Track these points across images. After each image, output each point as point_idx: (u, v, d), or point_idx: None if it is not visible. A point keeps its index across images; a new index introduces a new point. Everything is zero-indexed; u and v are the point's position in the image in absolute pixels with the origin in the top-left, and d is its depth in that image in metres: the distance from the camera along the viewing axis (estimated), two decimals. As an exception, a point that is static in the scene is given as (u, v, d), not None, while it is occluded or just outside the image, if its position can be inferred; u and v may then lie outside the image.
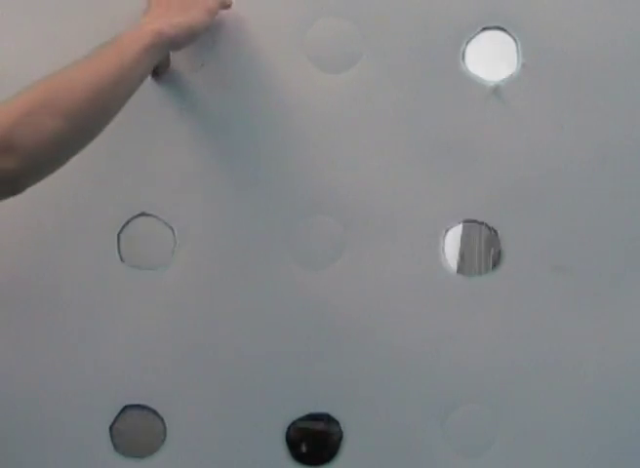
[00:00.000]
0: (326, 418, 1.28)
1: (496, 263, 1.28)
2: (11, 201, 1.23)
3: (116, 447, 1.28)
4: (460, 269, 1.29)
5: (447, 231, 1.27)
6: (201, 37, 1.19)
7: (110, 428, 1.27)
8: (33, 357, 1.27)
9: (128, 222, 1.26)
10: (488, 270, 1.29)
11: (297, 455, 1.29)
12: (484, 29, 1.25)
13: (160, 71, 1.23)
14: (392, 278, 1.27)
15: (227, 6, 1.23)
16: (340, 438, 1.28)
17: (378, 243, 1.27)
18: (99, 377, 1.27)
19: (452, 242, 1.29)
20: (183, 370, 1.28)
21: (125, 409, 1.27)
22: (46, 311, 1.26)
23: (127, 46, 1.09)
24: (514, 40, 1.26)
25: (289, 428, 1.28)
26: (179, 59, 1.25)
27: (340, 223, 1.27)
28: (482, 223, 1.28)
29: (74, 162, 1.25)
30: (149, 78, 1.24)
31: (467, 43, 1.26)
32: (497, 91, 1.26)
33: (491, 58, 1.27)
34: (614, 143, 1.27)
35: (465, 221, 1.27)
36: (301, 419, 1.28)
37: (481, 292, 1.28)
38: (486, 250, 1.30)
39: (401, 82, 1.26)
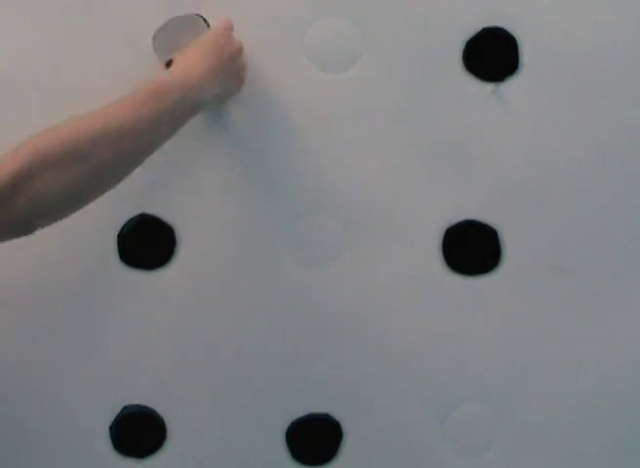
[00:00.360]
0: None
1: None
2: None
3: (116, 447, 1.28)
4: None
5: (447, 231, 1.27)
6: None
7: (110, 428, 1.27)
8: (33, 357, 1.27)
9: (128, 222, 1.26)
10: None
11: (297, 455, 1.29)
12: (484, 29, 1.25)
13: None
14: (392, 278, 1.27)
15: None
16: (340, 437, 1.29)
17: (378, 243, 1.27)
18: (99, 377, 1.27)
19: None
20: (183, 370, 1.28)
21: (125, 409, 1.27)
22: (46, 311, 1.26)
23: (168, 101, 1.07)
24: (514, 40, 1.26)
25: (289, 428, 1.28)
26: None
27: (340, 223, 1.27)
28: (482, 223, 1.28)
29: (74, 162, 1.26)
30: (149, 77, 1.24)
31: (467, 43, 1.26)
32: (497, 91, 1.26)
33: (491, 59, 1.27)
34: (614, 143, 1.27)
35: (465, 221, 1.27)
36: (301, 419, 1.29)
37: (481, 293, 1.28)
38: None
39: (401, 82, 1.26)
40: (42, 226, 1.02)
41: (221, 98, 1.22)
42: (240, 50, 1.21)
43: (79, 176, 0.99)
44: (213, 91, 1.15)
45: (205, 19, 1.23)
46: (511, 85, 1.26)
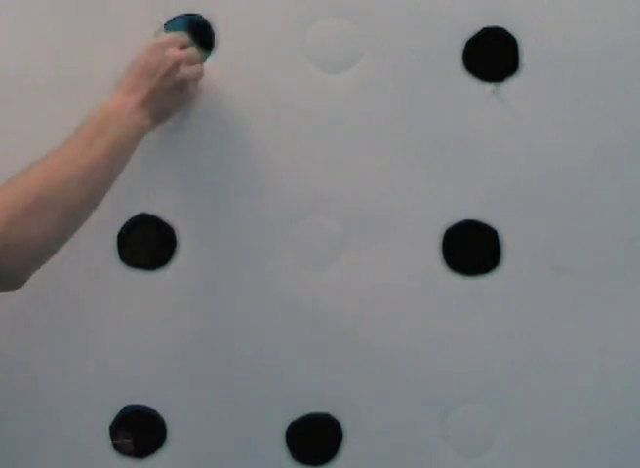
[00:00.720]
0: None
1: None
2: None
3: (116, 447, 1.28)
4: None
5: (447, 231, 1.27)
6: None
7: (110, 428, 1.27)
8: (33, 357, 1.27)
9: (128, 222, 1.26)
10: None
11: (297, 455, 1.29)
12: (484, 29, 1.25)
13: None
14: (392, 278, 1.27)
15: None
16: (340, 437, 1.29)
17: (378, 243, 1.27)
18: (99, 377, 1.27)
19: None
20: (183, 370, 1.28)
21: (125, 409, 1.27)
22: (46, 311, 1.26)
23: (114, 133, 1.10)
24: (514, 40, 1.26)
25: (289, 428, 1.28)
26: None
27: (340, 223, 1.27)
28: (482, 223, 1.28)
29: (74, 162, 1.25)
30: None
31: (467, 43, 1.26)
32: (497, 91, 1.26)
33: (491, 59, 1.27)
34: (614, 143, 1.27)
35: (465, 221, 1.27)
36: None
37: (481, 292, 1.28)
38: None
39: (401, 82, 1.26)
40: (30, 274, 1.06)
41: (168, 116, 1.21)
42: (176, 64, 1.18)
43: (51, 223, 1.03)
44: (152, 113, 1.16)
45: (205, 22, 1.23)
46: (511, 85, 1.26)
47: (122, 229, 1.26)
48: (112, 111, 1.12)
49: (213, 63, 1.25)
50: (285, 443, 1.28)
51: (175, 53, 1.18)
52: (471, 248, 1.29)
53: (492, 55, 1.27)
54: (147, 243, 1.30)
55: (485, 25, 1.26)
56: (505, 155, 1.27)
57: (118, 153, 1.11)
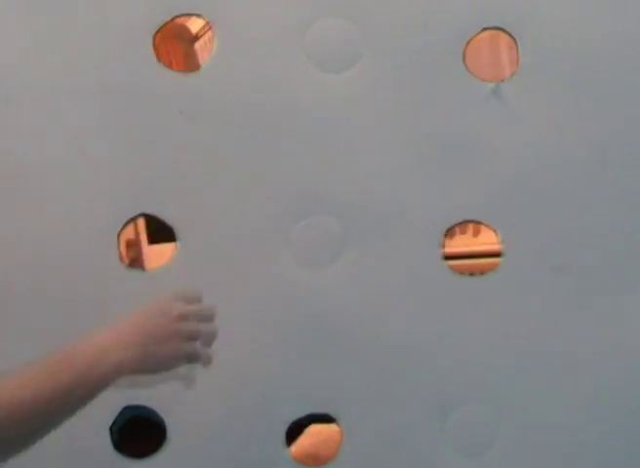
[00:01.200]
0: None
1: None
2: (11, 201, 1.24)
3: (116, 446, 1.28)
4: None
5: (447, 231, 1.27)
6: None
7: (110, 428, 1.27)
8: (33, 357, 1.26)
9: (128, 222, 1.26)
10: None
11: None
12: (484, 29, 1.25)
13: None
14: (392, 278, 1.27)
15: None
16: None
17: (378, 243, 1.27)
18: (99, 377, 1.27)
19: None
20: (183, 371, 1.27)
21: (125, 409, 1.27)
22: (46, 311, 1.26)
23: (83, 374, 1.03)
24: (514, 40, 1.26)
25: (289, 428, 1.28)
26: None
27: (341, 223, 1.27)
28: (482, 223, 1.28)
29: (74, 162, 1.26)
30: (149, 77, 1.24)
31: (467, 43, 1.26)
32: (497, 91, 1.26)
33: (491, 58, 1.27)
34: (614, 143, 1.27)
35: (465, 221, 1.27)
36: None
37: (481, 292, 1.28)
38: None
39: (401, 82, 1.26)
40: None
41: (153, 371, 1.11)
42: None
43: None
44: (133, 354, 1.07)
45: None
46: (511, 85, 1.26)
47: (122, 230, 1.26)
48: (81, 354, 1.05)
49: (213, 63, 1.25)
50: (285, 443, 1.28)
51: (188, 327, 1.10)
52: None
53: (492, 55, 1.27)
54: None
55: (485, 25, 1.26)
56: (505, 155, 1.27)
57: (64, 399, 1.03)
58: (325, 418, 1.29)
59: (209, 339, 1.12)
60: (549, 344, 1.29)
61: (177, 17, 1.25)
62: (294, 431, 1.29)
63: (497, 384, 1.29)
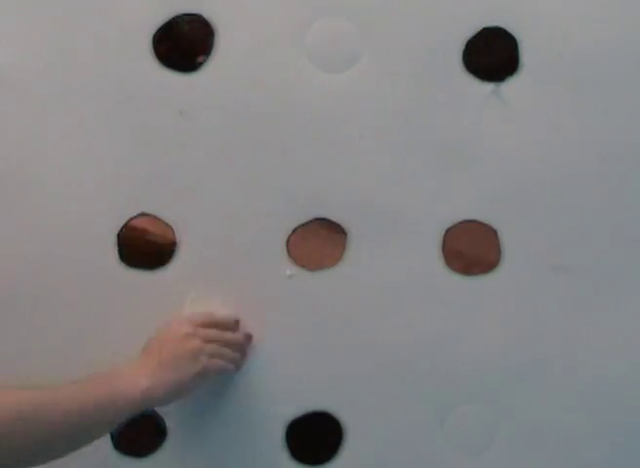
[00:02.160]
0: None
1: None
2: (10, 201, 1.24)
3: (116, 446, 1.28)
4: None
5: (447, 231, 1.27)
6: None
7: (110, 428, 1.27)
8: (33, 357, 1.27)
9: (128, 222, 1.26)
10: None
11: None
12: (484, 29, 1.25)
13: None
14: (392, 277, 1.27)
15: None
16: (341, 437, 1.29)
17: (378, 243, 1.27)
18: (99, 377, 1.27)
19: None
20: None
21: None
22: (46, 311, 1.26)
23: (114, 402, 1.06)
24: (514, 40, 1.26)
25: (289, 428, 1.28)
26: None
27: (340, 223, 1.27)
28: (482, 223, 1.28)
29: (74, 162, 1.26)
30: (149, 78, 1.24)
31: (467, 43, 1.26)
32: (497, 91, 1.26)
33: (491, 59, 1.26)
34: (614, 143, 1.27)
35: (465, 221, 1.27)
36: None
37: (481, 293, 1.28)
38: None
39: (401, 82, 1.26)
40: None
41: (180, 391, 1.15)
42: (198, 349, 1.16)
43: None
44: (160, 379, 1.12)
45: None
46: (511, 85, 1.26)
47: (122, 229, 1.26)
48: (121, 383, 1.09)
49: (213, 63, 1.25)
50: (285, 443, 1.28)
51: (210, 336, 1.18)
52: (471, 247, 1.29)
53: (492, 55, 1.26)
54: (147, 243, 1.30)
55: (485, 25, 1.25)
56: (505, 155, 1.27)
57: (107, 422, 1.08)
58: (325, 418, 1.29)
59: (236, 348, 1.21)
60: (549, 344, 1.29)
61: (177, 17, 1.25)
62: (294, 431, 1.28)
63: (497, 384, 1.29)
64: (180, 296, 1.27)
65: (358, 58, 1.26)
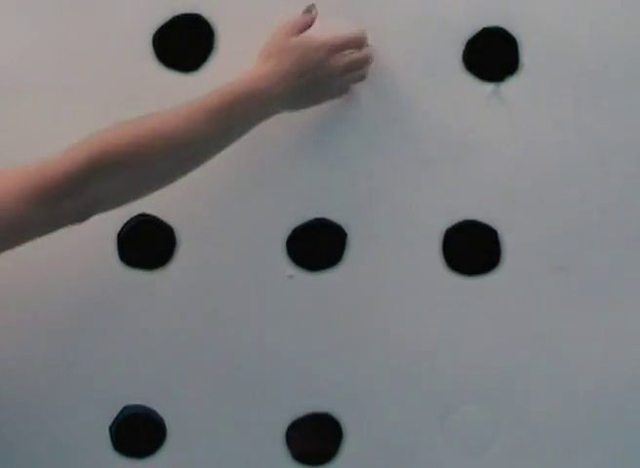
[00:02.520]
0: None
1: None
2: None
3: (116, 446, 1.28)
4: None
5: (447, 231, 1.27)
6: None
7: (110, 428, 1.27)
8: (33, 357, 1.27)
9: (128, 222, 1.26)
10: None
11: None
12: (484, 29, 1.25)
13: None
14: (392, 278, 1.27)
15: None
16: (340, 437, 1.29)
17: (378, 243, 1.27)
18: (99, 377, 1.27)
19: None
20: (183, 370, 1.28)
21: (125, 409, 1.27)
22: (46, 311, 1.26)
23: (245, 110, 1.11)
24: (514, 40, 1.26)
25: (289, 428, 1.28)
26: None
27: (341, 224, 1.27)
28: (482, 223, 1.28)
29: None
30: (149, 78, 1.25)
31: (467, 43, 1.26)
32: (497, 91, 1.26)
33: (491, 59, 1.27)
34: (614, 143, 1.27)
35: (465, 221, 1.27)
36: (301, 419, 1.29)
37: (481, 292, 1.28)
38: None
39: (401, 82, 1.26)
40: (95, 214, 1.08)
41: (307, 105, 1.21)
42: (341, 74, 1.19)
43: (135, 178, 1.06)
44: (293, 102, 1.17)
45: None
46: (511, 85, 1.26)
47: (122, 229, 1.26)
48: (235, 96, 1.11)
49: (213, 63, 1.25)
50: (285, 443, 1.28)
51: (344, 61, 1.18)
52: (471, 248, 1.29)
53: (492, 55, 1.27)
54: (147, 243, 1.30)
55: (485, 25, 1.26)
56: (505, 155, 1.27)
57: (219, 137, 1.13)
58: (325, 418, 1.28)
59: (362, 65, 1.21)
60: (549, 344, 1.29)
61: (177, 16, 1.25)
62: (294, 431, 1.28)
63: (497, 384, 1.29)
64: (181, 297, 1.27)
65: (358, 57, 1.26)
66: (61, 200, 1.02)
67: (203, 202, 1.27)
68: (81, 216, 1.06)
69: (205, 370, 1.28)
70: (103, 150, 1.03)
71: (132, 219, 1.26)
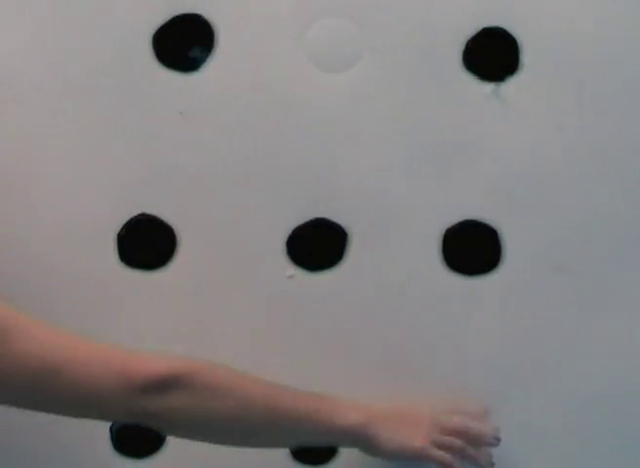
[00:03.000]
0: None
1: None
2: (10, 200, 1.23)
3: (116, 447, 1.28)
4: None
5: (447, 231, 1.27)
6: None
7: (110, 428, 1.27)
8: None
9: (128, 222, 1.26)
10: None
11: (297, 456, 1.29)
12: (484, 29, 1.25)
13: None
14: (392, 278, 1.27)
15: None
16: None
17: (378, 243, 1.27)
18: (98, 377, 1.27)
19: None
20: (183, 371, 1.27)
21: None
22: (46, 311, 1.26)
23: (337, 423, 1.11)
24: (514, 40, 1.26)
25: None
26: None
27: (340, 223, 1.27)
28: (482, 223, 1.28)
29: (74, 162, 1.26)
30: (149, 77, 1.24)
31: (467, 43, 1.26)
32: (497, 91, 1.26)
33: (491, 59, 1.27)
34: (614, 143, 1.27)
35: (465, 221, 1.27)
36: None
37: (481, 292, 1.28)
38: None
39: (401, 82, 1.26)
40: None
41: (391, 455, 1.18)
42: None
43: (204, 413, 1.05)
44: (388, 436, 1.15)
45: None
46: (511, 85, 1.26)
47: (122, 229, 1.26)
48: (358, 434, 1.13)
49: (213, 63, 1.25)
50: (285, 443, 1.28)
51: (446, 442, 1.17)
52: (471, 248, 1.29)
53: (492, 55, 1.27)
54: (147, 243, 1.30)
55: (485, 25, 1.26)
56: (505, 155, 1.27)
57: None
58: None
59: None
60: (549, 344, 1.29)
61: (177, 16, 1.25)
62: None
63: (497, 384, 1.29)
64: (180, 297, 1.27)
65: (358, 58, 1.26)
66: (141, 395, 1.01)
67: (203, 202, 1.27)
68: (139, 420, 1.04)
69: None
70: (196, 370, 1.04)
71: (132, 219, 1.26)
